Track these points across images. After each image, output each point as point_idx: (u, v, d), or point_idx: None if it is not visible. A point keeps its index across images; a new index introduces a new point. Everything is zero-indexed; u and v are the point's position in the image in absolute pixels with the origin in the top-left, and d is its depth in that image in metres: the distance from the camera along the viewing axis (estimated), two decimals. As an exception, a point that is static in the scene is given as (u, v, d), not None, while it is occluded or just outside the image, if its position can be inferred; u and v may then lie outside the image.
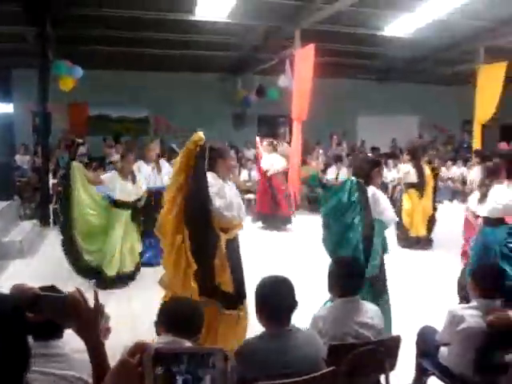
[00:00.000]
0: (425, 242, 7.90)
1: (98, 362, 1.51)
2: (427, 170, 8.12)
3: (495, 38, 10.53)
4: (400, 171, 8.49)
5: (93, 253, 5.73)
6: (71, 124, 13.36)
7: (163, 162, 7.17)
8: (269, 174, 9.36)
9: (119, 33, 10.40)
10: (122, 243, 5.83)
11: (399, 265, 5.95)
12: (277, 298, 2.34)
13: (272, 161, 9.44)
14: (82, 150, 12.32)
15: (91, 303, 1.55)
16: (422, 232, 7.93)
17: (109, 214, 5.84)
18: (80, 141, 12.19)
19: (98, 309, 1.56)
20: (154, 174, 6.79)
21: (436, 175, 8.41)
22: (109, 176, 6.05)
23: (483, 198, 4.87)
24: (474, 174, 8.25)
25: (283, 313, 2.33)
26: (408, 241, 7.92)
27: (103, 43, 11.24)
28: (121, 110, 14.31)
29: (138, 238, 6.07)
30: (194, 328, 2.38)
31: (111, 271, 5.69)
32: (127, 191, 5.92)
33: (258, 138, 10.19)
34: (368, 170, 4.01)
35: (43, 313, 1.45)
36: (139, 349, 1.14)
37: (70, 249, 5.59)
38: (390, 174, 12.13)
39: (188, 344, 2.28)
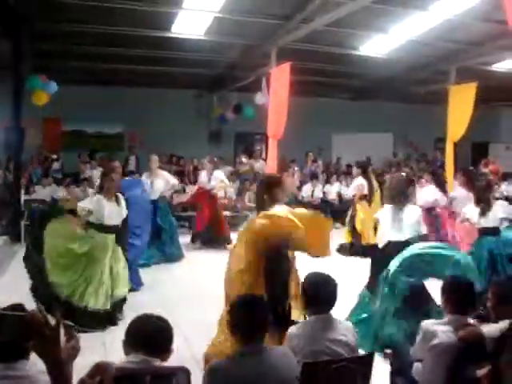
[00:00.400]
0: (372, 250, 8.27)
1: (56, 382, 1.46)
2: (374, 181, 9.09)
3: (466, 60, 10.83)
4: (353, 184, 9.29)
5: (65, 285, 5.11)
6: (45, 139, 13.18)
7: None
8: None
9: (96, 48, 10.36)
10: (112, 269, 5.34)
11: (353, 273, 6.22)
12: (250, 316, 2.31)
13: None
14: (55, 165, 12.18)
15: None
16: (374, 240, 8.21)
17: (92, 242, 5.23)
18: (54, 156, 12.03)
19: (58, 328, 1.51)
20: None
21: (380, 183, 8.99)
22: (94, 201, 5.33)
23: (485, 211, 5.66)
24: (457, 192, 8.55)
25: (258, 331, 2.31)
26: (361, 248, 8.53)
27: (79, 58, 11.17)
28: (96, 125, 14.16)
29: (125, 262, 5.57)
30: (163, 346, 2.33)
31: (91, 302, 5.11)
32: (114, 214, 5.39)
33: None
34: (405, 188, 4.26)
35: (1, 333, 1.40)
36: (100, 370, 1.10)
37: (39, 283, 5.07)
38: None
39: (158, 363, 2.24)
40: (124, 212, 5.56)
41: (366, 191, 8.84)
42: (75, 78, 12.46)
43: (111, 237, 5.35)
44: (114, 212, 5.35)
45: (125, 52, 10.66)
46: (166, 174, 8.63)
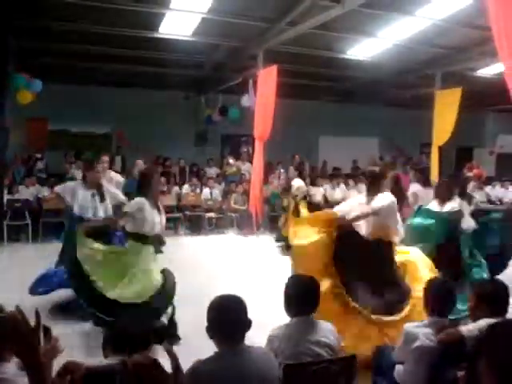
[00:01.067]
0: None
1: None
2: None
3: (451, 65, 10.95)
4: (294, 186, 9.26)
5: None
6: (30, 139, 13.03)
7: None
8: None
9: (82, 47, 10.29)
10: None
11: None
12: (229, 316, 2.31)
13: None
14: (39, 165, 12.05)
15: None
16: None
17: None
18: (38, 156, 11.91)
19: (38, 329, 1.50)
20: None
21: None
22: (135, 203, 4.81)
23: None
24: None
25: (236, 331, 2.30)
26: None
27: (66, 57, 11.09)
28: (82, 125, 14.06)
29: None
30: (143, 346, 2.32)
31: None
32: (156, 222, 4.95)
33: None
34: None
35: None
36: (70, 369, 1.10)
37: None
38: (350, 194, 12.37)
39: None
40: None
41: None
42: (61, 77, 12.36)
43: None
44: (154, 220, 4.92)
45: (112, 52, 10.59)
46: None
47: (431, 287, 3.09)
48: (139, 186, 4.87)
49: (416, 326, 3.03)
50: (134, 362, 1.43)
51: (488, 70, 11.40)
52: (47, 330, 2.06)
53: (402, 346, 3.00)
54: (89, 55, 10.88)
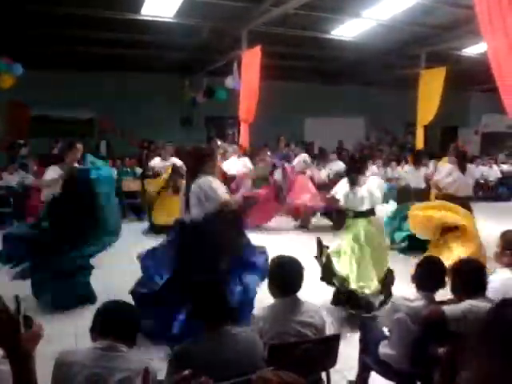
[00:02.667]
0: None
1: (17, 371, 1.45)
2: None
3: (436, 44, 10.94)
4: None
5: None
6: (11, 124, 12.82)
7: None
8: None
9: (64, 31, 10.09)
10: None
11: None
12: (211, 300, 2.32)
13: None
14: (23, 151, 11.89)
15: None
16: None
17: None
18: (21, 142, 11.74)
19: (18, 315, 1.49)
20: None
21: None
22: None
23: None
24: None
25: (218, 314, 2.31)
26: None
27: (47, 41, 10.87)
28: (65, 111, 13.84)
29: None
30: (130, 332, 2.33)
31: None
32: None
33: None
34: None
35: None
36: None
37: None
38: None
39: (124, 349, 2.23)
40: None
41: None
42: (42, 62, 12.15)
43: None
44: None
45: (93, 35, 10.41)
46: None
47: (421, 263, 3.14)
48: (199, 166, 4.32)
49: (403, 298, 3.05)
50: None
51: (473, 49, 11.42)
52: (28, 319, 2.05)
53: (387, 315, 3.08)
54: (70, 39, 10.67)
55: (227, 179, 9.01)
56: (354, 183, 4.93)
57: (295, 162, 9.69)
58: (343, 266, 4.71)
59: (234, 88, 10.89)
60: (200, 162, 4.17)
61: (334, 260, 4.78)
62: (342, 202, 4.98)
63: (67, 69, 12.98)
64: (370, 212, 4.92)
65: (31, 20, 9.37)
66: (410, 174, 8.27)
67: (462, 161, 6.82)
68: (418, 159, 8.35)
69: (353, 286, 4.57)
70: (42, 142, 12.52)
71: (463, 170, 6.72)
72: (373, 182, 4.99)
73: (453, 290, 2.89)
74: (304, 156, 9.76)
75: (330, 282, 4.81)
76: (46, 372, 2.08)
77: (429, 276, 3.02)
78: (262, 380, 1.42)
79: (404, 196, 8.08)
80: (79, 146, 5.55)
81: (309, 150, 12.51)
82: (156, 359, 3.33)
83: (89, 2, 8.37)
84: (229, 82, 11.69)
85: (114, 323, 2.29)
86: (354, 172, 5.02)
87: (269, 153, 12.49)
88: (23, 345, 1.58)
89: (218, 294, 2.35)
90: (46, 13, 8.92)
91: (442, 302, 2.95)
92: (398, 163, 14.30)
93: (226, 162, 9.50)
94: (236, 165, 9.42)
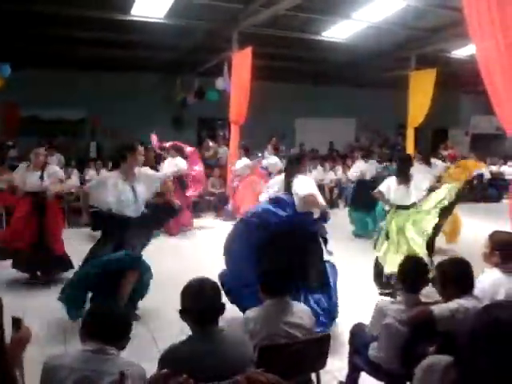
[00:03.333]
0: None
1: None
2: None
3: (425, 46, 11.00)
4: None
5: None
6: (1, 126, 12.72)
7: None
8: None
9: (54, 31, 10.02)
10: None
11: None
12: (199, 299, 2.31)
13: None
14: (12, 153, 11.79)
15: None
16: None
17: None
18: (10, 143, 11.65)
19: (1, 319, 1.48)
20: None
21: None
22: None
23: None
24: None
25: (210, 315, 2.31)
26: None
27: (37, 41, 10.79)
28: (55, 111, 13.74)
29: None
30: (120, 335, 2.31)
31: None
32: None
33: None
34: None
35: None
36: None
37: None
38: (327, 176, 12.50)
39: (114, 352, 2.22)
40: None
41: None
42: (31, 61, 12.07)
43: None
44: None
45: (84, 35, 10.36)
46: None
47: (405, 264, 3.15)
48: None
49: (388, 301, 3.08)
50: None
51: (462, 52, 11.51)
52: (18, 321, 2.03)
53: (374, 321, 3.07)
54: (60, 39, 10.60)
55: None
56: (405, 180, 5.67)
57: (237, 165, 9.59)
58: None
59: (225, 89, 10.88)
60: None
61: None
62: (391, 199, 5.74)
63: (58, 68, 12.89)
64: (414, 205, 5.64)
65: (20, 20, 9.29)
66: None
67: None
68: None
69: None
70: (30, 143, 12.39)
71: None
72: (418, 178, 5.83)
73: (441, 290, 2.90)
74: (252, 161, 9.69)
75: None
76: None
77: (411, 277, 3.05)
78: (248, 381, 1.42)
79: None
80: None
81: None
82: (146, 361, 3.32)
83: (79, 2, 8.32)
84: (219, 83, 11.67)
85: (103, 326, 2.28)
86: (405, 170, 5.78)
87: (259, 154, 12.52)
88: (8, 346, 1.57)
89: (211, 296, 2.34)
90: (36, 12, 8.85)
91: (429, 303, 2.97)
92: (390, 164, 14.39)
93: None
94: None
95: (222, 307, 2.36)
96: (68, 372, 2.08)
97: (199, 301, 2.30)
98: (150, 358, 2.62)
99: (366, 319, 3.19)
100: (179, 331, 3.02)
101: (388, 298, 3.17)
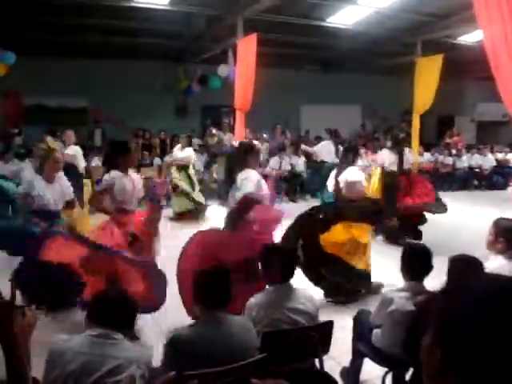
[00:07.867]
0: None
1: (9, 361, 1.44)
2: None
3: (431, 32, 10.88)
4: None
5: None
6: (5, 114, 12.72)
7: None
8: None
9: (57, 19, 9.99)
10: None
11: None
12: (210, 285, 2.34)
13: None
14: (17, 140, 11.82)
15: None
16: None
17: None
18: (15, 131, 11.66)
19: (12, 303, 1.48)
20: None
21: None
22: None
23: None
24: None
25: (216, 300, 2.33)
26: None
27: (41, 29, 10.76)
28: (59, 99, 13.72)
29: None
30: (125, 321, 2.33)
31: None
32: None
33: None
34: None
35: None
36: None
37: None
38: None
39: (120, 337, 2.24)
40: None
41: None
42: (35, 50, 12.02)
43: None
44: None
45: (87, 22, 10.32)
46: None
47: (409, 252, 3.13)
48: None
49: (393, 290, 3.08)
50: None
51: (468, 37, 11.38)
52: (21, 308, 2.04)
53: (379, 310, 3.07)
54: (63, 27, 10.58)
55: None
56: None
57: None
58: None
59: (228, 76, 10.81)
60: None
61: None
62: None
63: (61, 57, 12.86)
64: None
65: (23, 8, 9.26)
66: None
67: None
68: None
69: None
70: (34, 131, 12.42)
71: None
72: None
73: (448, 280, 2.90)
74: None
75: None
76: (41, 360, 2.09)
77: (415, 265, 3.03)
78: None
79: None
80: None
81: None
82: (150, 345, 3.35)
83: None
84: (222, 70, 11.59)
85: (109, 311, 2.29)
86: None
87: (265, 135, 12.51)
88: (16, 331, 1.58)
89: (219, 280, 2.38)
90: (39, 1, 8.81)
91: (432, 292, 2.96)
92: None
93: None
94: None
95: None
96: (72, 355, 2.11)
97: (208, 286, 2.33)
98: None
99: (370, 306, 3.20)
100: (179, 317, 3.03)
101: (390, 289, 3.16)
